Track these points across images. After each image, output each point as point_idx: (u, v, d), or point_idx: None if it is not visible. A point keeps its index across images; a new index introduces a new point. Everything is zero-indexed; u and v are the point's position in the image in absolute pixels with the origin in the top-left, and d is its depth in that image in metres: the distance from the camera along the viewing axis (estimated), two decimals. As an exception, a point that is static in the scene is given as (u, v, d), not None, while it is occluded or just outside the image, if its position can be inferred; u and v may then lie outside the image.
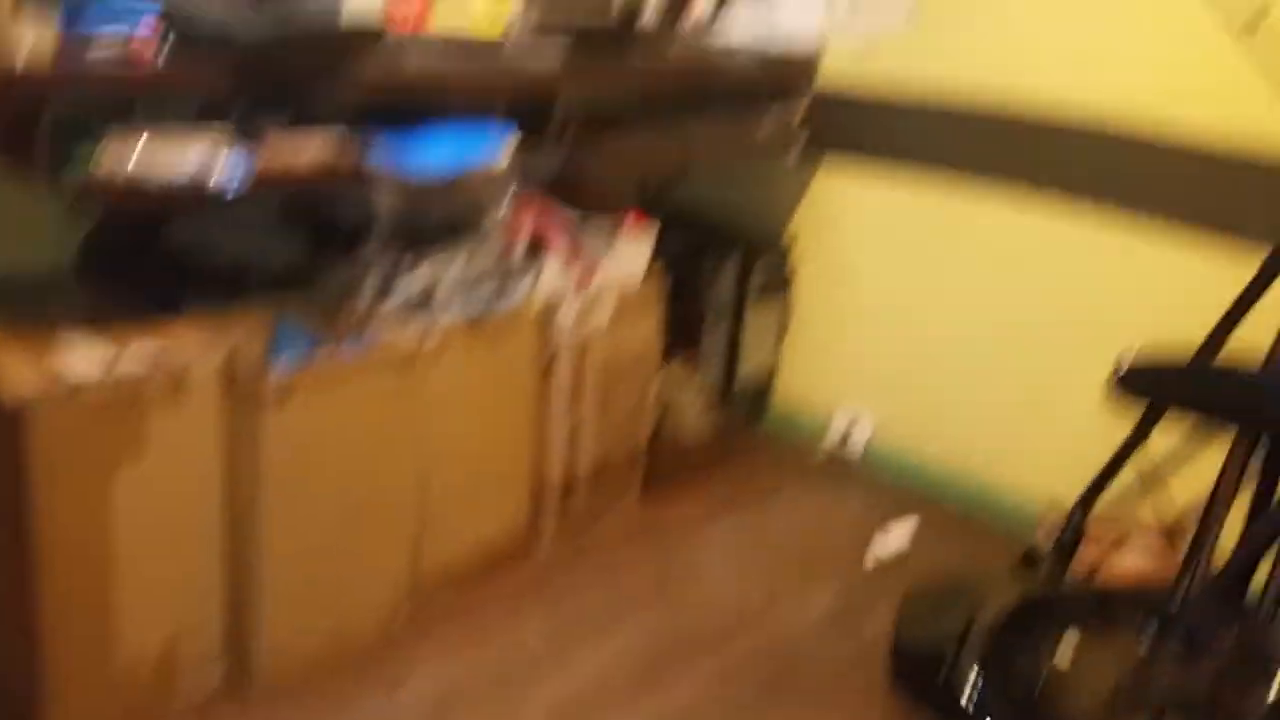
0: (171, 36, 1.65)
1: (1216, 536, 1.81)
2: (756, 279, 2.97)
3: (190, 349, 1.75)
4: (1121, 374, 1.83)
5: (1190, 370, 1.89)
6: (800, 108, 2.90)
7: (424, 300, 2.01)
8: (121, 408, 1.65)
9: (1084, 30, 2.44)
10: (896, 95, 2.78)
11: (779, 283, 3.06)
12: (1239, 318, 1.94)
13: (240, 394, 1.78)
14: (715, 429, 2.97)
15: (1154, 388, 1.87)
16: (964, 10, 2.63)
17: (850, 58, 2.84)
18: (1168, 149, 2.34)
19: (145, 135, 1.64)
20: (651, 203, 3.15)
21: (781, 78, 2.87)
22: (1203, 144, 2.29)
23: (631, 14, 2.86)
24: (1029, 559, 2.18)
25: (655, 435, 2.70)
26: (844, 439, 3.02)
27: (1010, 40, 2.57)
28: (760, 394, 3.17)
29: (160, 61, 1.64)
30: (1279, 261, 1.93)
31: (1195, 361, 1.90)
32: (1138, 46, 2.36)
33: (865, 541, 2.59)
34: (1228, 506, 1.80)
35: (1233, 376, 1.85)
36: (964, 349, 2.78)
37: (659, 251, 2.52)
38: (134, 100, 1.69)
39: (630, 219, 2.43)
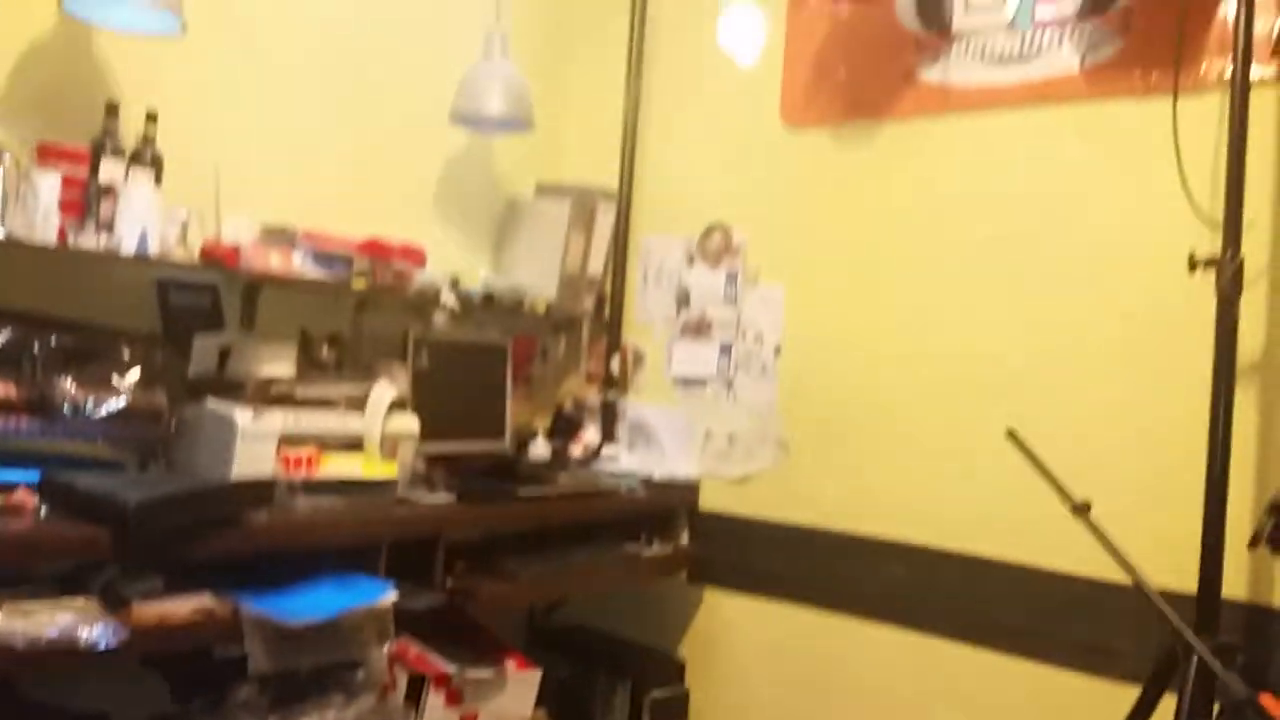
0: (50, 502, 1.69)
1: None
2: (649, 705, 2.92)
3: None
4: None
5: None
6: (683, 533, 3.01)
7: (292, 758, 1.92)
8: None
9: (938, 479, 2.66)
10: (772, 524, 2.92)
11: (673, 709, 3.00)
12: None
13: None
14: None
15: None
16: (827, 453, 2.85)
17: (728, 490, 3.01)
18: (1038, 578, 2.48)
19: (13, 599, 1.62)
20: (539, 629, 3.15)
21: (665, 504, 3.00)
22: (1069, 573, 2.42)
23: (523, 444, 3.04)
24: None
25: None
26: None
27: (870, 481, 2.77)
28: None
29: (35, 526, 1.67)
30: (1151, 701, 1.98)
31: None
32: (999, 499, 2.54)
33: None
34: None
35: None
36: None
37: (547, 680, 2.48)
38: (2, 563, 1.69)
39: (514, 659, 2.41)
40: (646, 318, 3.24)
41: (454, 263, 2.88)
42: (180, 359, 2.23)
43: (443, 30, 3.01)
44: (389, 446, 2.29)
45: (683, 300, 3.15)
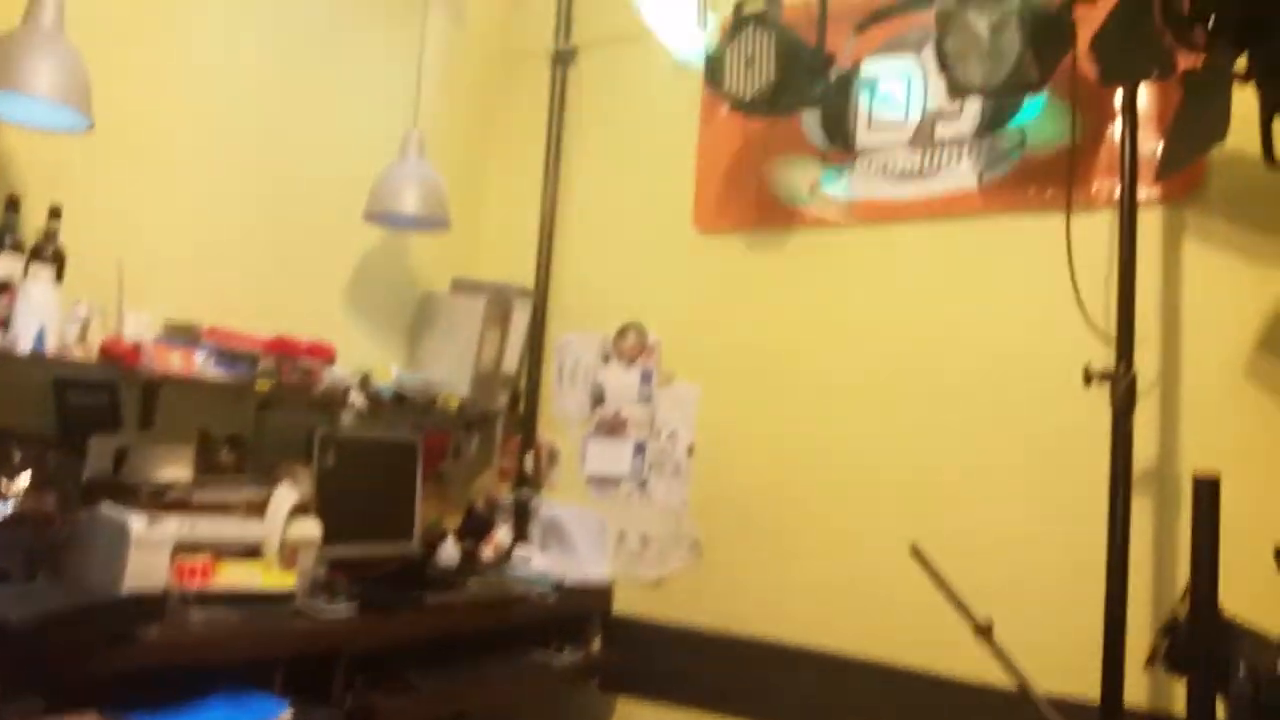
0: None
1: None
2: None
3: None
4: None
5: None
6: (596, 639, 2.96)
7: None
8: None
9: (848, 585, 2.68)
10: (684, 629, 2.89)
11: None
12: None
13: None
14: None
15: None
16: (739, 555, 2.85)
17: (641, 594, 2.99)
18: (947, 688, 2.49)
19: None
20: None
21: (577, 609, 2.96)
22: (978, 683, 2.43)
23: (433, 546, 2.97)
24: None
25: None
26: None
27: (782, 585, 2.77)
28: None
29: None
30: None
31: None
32: (907, 606, 2.53)
33: None
34: None
35: None
36: None
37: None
38: None
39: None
40: (561, 415, 3.23)
41: (366, 359, 2.84)
42: (76, 461, 2.15)
43: (360, 129, 3.02)
44: (289, 553, 2.22)
45: (597, 398, 3.16)
